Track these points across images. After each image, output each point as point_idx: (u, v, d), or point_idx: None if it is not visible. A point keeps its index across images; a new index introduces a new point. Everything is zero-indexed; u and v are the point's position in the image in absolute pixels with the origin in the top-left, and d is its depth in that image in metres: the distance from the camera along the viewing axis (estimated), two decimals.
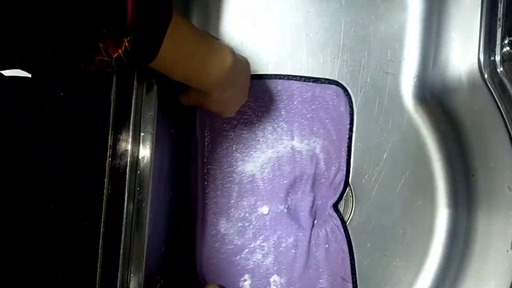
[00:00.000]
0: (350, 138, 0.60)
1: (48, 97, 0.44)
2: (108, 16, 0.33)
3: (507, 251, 0.54)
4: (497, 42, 0.52)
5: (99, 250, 0.44)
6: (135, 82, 0.45)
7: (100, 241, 0.44)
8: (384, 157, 0.62)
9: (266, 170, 0.59)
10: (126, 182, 0.45)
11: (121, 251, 0.44)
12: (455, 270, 0.61)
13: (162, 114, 0.49)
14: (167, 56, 0.39)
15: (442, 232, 0.62)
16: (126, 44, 0.35)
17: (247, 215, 0.59)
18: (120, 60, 0.35)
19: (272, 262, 0.58)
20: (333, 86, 0.60)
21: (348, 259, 0.59)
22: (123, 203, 0.45)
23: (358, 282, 0.60)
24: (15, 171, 0.31)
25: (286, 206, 0.58)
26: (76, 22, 0.31)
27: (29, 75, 0.45)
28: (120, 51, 0.35)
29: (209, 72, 0.44)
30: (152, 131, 0.47)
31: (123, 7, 0.33)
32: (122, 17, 0.33)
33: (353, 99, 0.61)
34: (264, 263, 0.58)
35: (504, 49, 0.52)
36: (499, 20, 0.52)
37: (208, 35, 0.47)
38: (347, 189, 0.61)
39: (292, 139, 0.59)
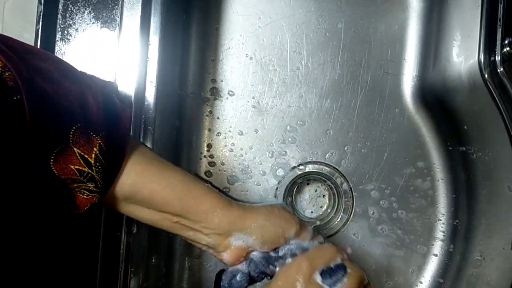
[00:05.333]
0: None
1: None
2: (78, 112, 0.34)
3: (503, 248, 0.54)
4: (497, 42, 0.52)
5: (99, 250, 0.44)
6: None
7: (100, 241, 0.44)
8: (384, 157, 0.62)
9: None
10: None
11: (121, 251, 0.45)
12: (455, 270, 0.61)
13: None
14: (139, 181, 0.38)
15: (442, 232, 0.62)
16: (99, 141, 0.35)
17: None
18: (99, 162, 0.35)
19: None
20: None
21: None
22: None
23: None
24: (14, 172, 0.31)
25: None
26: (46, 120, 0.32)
27: None
28: (95, 149, 0.35)
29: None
30: None
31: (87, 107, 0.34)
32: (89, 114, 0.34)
33: (354, 100, 0.62)
34: None
35: (504, 49, 0.52)
36: (499, 20, 0.52)
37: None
38: (347, 189, 0.61)
39: None
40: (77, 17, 0.47)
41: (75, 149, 0.34)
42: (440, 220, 0.62)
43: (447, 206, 0.62)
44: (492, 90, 0.53)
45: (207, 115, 0.62)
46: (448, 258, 0.61)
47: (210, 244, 0.43)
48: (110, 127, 0.36)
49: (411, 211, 0.62)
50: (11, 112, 0.29)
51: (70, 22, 0.47)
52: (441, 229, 0.62)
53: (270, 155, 0.62)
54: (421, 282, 0.62)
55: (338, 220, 0.61)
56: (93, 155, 0.35)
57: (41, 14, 0.46)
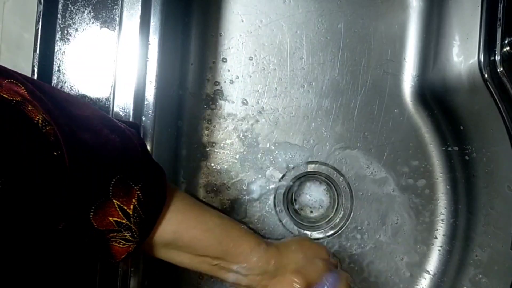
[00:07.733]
0: None
1: None
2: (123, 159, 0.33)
3: (502, 246, 0.54)
4: (497, 42, 0.52)
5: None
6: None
7: None
8: (384, 156, 0.62)
9: None
10: None
11: None
12: (455, 270, 0.61)
13: None
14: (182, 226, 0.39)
15: (442, 232, 0.62)
16: (138, 192, 0.34)
17: None
18: (137, 213, 0.34)
19: None
20: None
21: None
22: None
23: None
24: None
25: None
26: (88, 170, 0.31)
27: None
28: (134, 200, 0.34)
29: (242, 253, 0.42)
30: None
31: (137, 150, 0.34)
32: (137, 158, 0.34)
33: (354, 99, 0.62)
34: None
35: (504, 49, 0.52)
36: (499, 20, 0.52)
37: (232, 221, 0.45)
38: (347, 189, 0.61)
39: None
40: (77, 17, 0.47)
41: (114, 201, 0.33)
42: (440, 219, 0.62)
43: (446, 206, 0.62)
44: (492, 90, 0.53)
45: (207, 115, 0.62)
46: (447, 257, 0.61)
47: (249, 284, 0.44)
48: (148, 177, 0.36)
49: (410, 210, 0.62)
50: (51, 168, 0.29)
51: (70, 22, 0.47)
52: (440, 228, 0.62)
53: (270, 155, 0.62)
54: (420, 282, 0.62)
55: (338, 219, 0.61)
56: (131, 206, 0.34)
57: (41, 14, 0.46)
